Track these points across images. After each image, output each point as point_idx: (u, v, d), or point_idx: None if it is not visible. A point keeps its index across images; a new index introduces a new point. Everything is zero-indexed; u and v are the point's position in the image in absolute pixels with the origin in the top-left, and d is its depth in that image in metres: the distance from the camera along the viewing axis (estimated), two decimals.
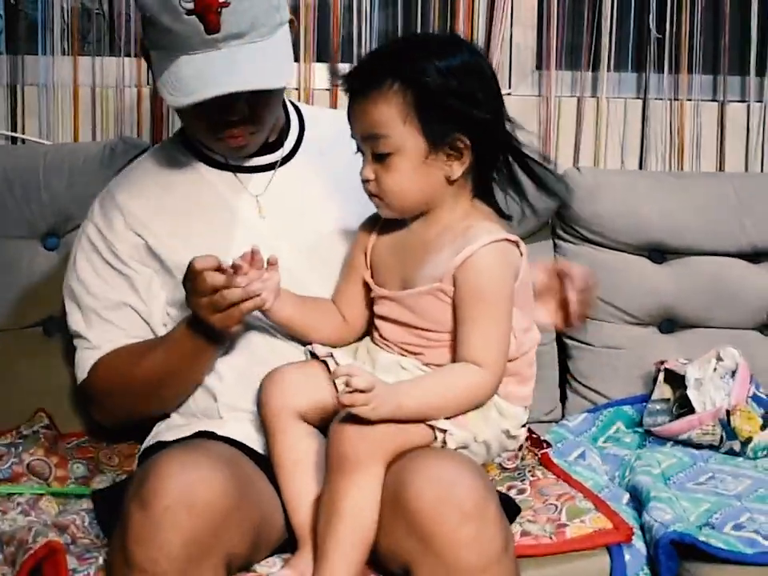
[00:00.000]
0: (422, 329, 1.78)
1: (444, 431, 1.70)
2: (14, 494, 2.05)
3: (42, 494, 2.07)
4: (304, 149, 2.06)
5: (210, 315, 1.77)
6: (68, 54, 2.72)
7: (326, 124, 2.10)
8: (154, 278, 2.00)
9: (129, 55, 2.74)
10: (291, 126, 2.08)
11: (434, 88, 1.71)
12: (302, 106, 2.17)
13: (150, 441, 2.01)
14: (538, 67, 2.90)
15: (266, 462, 1.84)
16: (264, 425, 1.82)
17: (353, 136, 1.80)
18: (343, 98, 1.84)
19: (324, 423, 1.75)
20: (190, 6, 1.75)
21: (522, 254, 1.79)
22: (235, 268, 1.76)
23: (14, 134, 2.72)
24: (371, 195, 1.79)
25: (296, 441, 1.79)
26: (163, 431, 1.99)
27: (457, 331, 1.75)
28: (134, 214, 2.00)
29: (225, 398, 1.94)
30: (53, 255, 2.46)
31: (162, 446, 1.92)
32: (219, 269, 1.75)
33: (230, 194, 2.00)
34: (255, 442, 1.88)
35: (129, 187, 2.04)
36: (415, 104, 1.71)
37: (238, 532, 1.60)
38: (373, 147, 1.75)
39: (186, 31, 1.78)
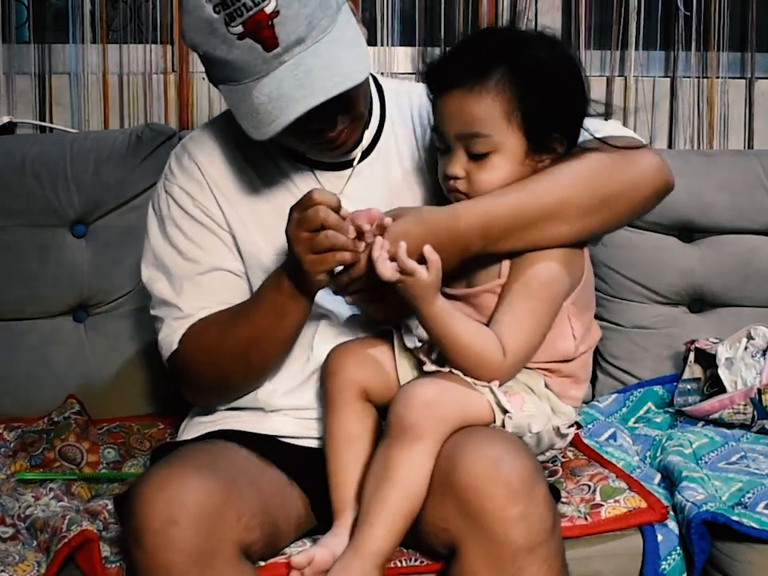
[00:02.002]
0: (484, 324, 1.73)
1: (505, 412, 1.67)
2: (47, 479, 2.07)
3: (74, 480, 2.09)
4: (384, 139, 1.94)
5: (306, 253, 1.66)
6: (96, 43, 2.73)
7: (406, 101, 1.98)
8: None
9: (155, 42, 2.75)
10: (372, 109, 1.93)
11: (543, 78, 1.66)
12: (382, 80, 2.01)
13: (179, 435, 2.00)
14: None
15: (293, 451, 1.86)
16: (326, 397, 1.80)
17: (437, 131, 1.74)
18: None
19: (386, 402, 1.72)
20: (239, 29, 1.63)
21: (584, 256, 1.78)
22: (353, 218, 1.67)
23: (42, 124, 2.74)
24: (455, 191, 1.73)
25: (354, 417, 1.77)
26: (188, 427, 1.97)
27: (495, 312, 1.71)
28: (217, 183, 1.90)
29: (274, 391, 1.90)
30: (81, 243, 2.46)
31: (169, 447, 1.91)
32: (336, 209, 1.65)
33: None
34: (285, 432, 1.89)
35: (208, 152, 1.92)
36: (520, 100, 1.65)
37: (238, 524, 1.58)
38: (469, 146, 1.68)
39: (244, 57, 1.65)
